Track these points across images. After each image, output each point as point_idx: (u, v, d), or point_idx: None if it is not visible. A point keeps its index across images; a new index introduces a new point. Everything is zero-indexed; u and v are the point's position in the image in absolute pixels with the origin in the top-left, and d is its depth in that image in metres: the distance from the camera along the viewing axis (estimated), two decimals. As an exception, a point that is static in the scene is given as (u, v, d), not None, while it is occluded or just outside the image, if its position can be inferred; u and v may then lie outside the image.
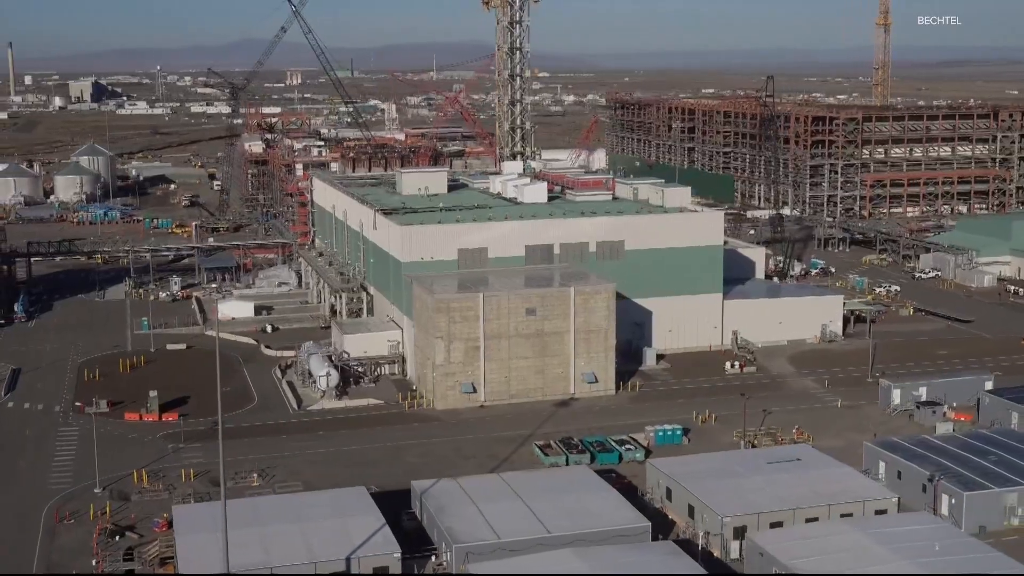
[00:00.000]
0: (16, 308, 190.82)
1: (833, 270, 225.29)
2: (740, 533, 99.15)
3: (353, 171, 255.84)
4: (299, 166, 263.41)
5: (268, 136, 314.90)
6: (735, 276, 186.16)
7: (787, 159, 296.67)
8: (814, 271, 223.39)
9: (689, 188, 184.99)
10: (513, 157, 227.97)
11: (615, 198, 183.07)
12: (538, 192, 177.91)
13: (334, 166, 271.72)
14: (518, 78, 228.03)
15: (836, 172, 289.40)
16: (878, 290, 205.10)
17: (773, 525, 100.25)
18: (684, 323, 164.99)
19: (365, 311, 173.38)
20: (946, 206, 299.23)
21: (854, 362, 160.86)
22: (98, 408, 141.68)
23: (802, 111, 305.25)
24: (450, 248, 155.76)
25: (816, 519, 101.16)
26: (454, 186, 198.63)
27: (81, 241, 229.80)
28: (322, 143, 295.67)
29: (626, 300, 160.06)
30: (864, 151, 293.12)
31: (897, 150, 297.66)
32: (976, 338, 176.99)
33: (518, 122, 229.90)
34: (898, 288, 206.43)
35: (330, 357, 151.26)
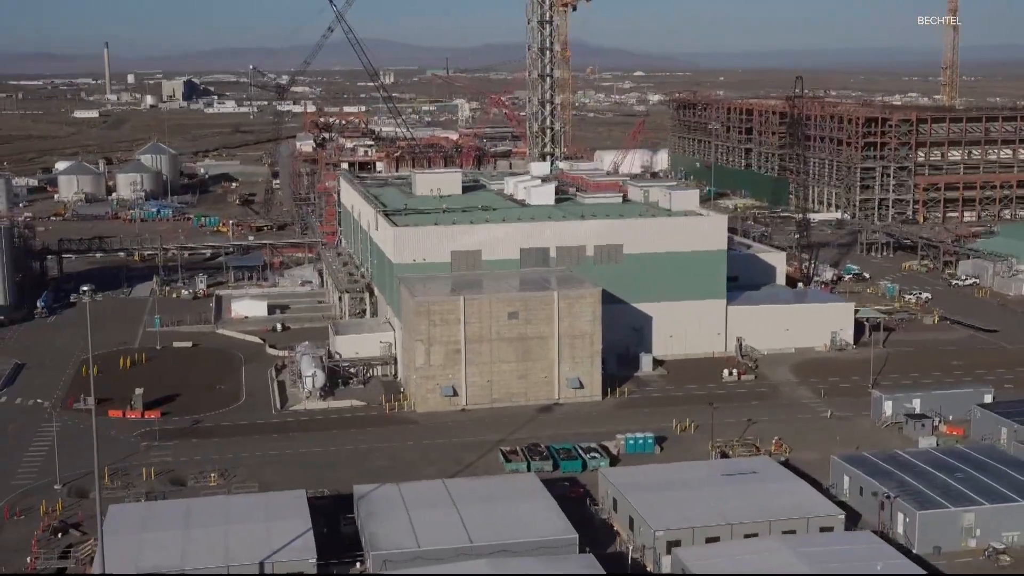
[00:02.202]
0: (39, 304, 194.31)
1: (868, 275, 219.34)
2: (674, 547, 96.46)
3: (396, 171, 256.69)
4: (344, 165, 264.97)
5: (325, 135, 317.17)
6: (754, 281, 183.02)
7: (840, 161, 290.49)
8: (847, 276, 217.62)
9: (697, 191, 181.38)
10: (543, 158, 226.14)
11: (626, 200, 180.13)
12: (545, 194, 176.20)
13: (380, 166, 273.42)
14: (548, 78, 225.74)
15: (888, 175, 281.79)
16: (907, 297, 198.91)
17: (710, 540, 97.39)
18: (686, 329, 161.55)
19: (368, 312, 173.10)
20: (1006, 211, 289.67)
21: (860, 372, 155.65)
22: (85, 404, 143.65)
23: (855, 112, 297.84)
24: (443, 250, 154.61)
25: (756, 535, 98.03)
26: (471, 187, 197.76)
27: (111, 239, 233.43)
28: (372, 143, 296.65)
29: (624, 305, 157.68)
30: (919, 153, 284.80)
31: (954, 153, 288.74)
32: (997, 348, 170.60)
33: (547, 123, 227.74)
34: (929, 295, 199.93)
35: (321, 358, 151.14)
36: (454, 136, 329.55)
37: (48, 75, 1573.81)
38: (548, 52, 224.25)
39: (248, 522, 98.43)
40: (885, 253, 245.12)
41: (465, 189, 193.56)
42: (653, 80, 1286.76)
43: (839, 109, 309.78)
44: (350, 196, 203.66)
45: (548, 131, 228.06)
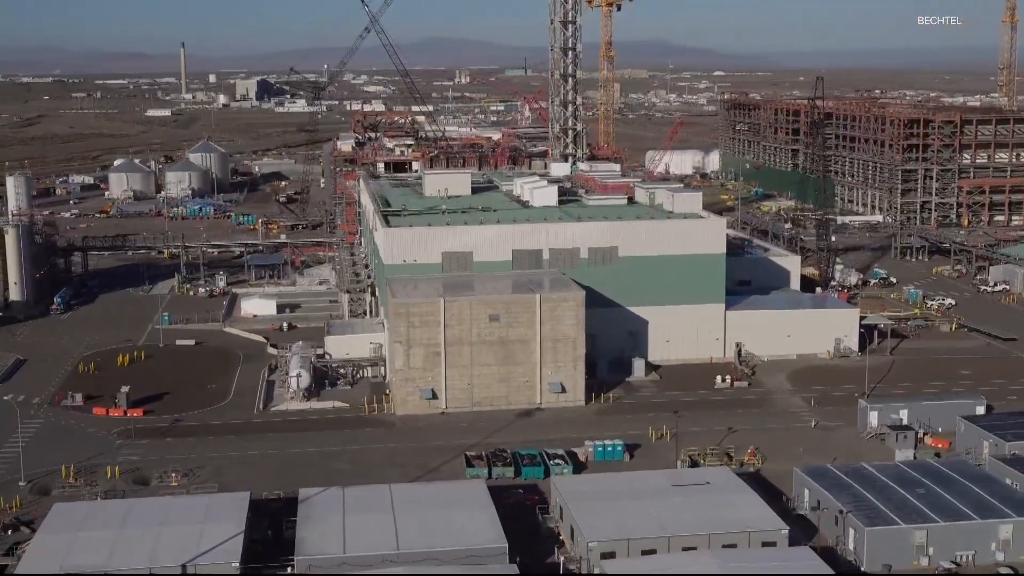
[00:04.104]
0: (56, 300, 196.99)
1: (895, 280, 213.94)
2: (604, 559, 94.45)
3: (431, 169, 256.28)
4: (380, 165, 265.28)
5: (370, 135, 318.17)
6: (767, 285, 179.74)
7: (882, 163, 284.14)
8: (874, 281, 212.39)
9: (700, 193, 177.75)
10: (564, 159, 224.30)
11: (632, 202, 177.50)
12: (548, 195, 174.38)
13: (416, 165, 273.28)
14: (570, 79, 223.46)
15: (931, 177, 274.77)
16: (930, 303, 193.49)
17: (646, 552, 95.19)
18: (683, 334, 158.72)
19: (369, 312, 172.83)
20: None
21: (859, 380, 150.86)
22: (73, 401, 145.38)
23: (896, 113, 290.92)
24: (434, 251, 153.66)
25: (694, 548, 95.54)
26: (482, 188, 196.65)
27: (135, 236, 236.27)
28: (411, 143, 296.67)
29: (619, 308, 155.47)
30: (964, 156, 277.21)
31: (1002, 155, 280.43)
32: (1012, 358, 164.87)
33: (569, 123, 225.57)
34: (952, 301, 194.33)
35: (309, 359, 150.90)
36: (496, 136, 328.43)
37: (134, 74, 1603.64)
38: (571, 52, 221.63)
39: (183, 524, 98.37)
40: (920, 257, 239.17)
41: (476, 190, 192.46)
42: (731, 80, 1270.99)
43: (882, 110, 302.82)
44: (365, 196, 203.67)
45: (570, 132, 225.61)
